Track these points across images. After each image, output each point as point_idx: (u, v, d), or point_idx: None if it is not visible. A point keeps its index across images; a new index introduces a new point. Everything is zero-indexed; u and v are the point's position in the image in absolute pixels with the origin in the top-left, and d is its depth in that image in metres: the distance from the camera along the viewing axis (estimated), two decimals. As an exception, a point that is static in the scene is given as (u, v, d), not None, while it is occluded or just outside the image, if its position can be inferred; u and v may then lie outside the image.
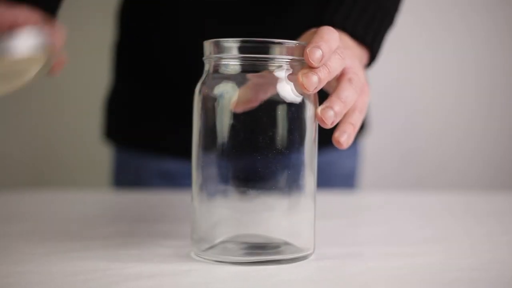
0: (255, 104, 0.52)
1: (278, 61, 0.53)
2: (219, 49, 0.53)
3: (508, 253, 0.60)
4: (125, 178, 1.05)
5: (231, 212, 0.54)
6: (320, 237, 0.60)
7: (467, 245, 0.64)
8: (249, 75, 0.53)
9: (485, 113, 1.76)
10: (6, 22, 0.61)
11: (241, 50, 0.53)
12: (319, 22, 0.65)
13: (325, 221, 0.69)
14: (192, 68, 0.95)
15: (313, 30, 0.60)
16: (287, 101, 0.53)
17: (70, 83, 1.56)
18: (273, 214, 0.54)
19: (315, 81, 0.52)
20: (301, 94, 0.53)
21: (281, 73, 0.53)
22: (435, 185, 1.75)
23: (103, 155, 1.37)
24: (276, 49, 0.53)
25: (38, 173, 1.65)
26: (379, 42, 0.71)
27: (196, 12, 0.95)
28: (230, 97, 0.52)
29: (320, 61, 0.53)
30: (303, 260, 0.54)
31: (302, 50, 0.54)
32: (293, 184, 0.54)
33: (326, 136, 0.61)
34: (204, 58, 0.55)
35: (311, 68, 0.53)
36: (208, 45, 0.54)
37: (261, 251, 0.54)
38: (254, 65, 0.53)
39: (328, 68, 0.54)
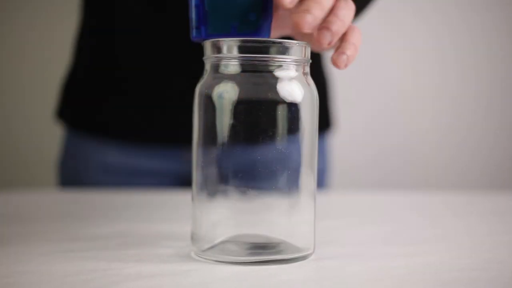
0: None
1: (278, 61, 0.53)
2: (219, 49, 0.53)
3: (509, 253, 0.60)
4: (71, 164, 1.05)
5: (231, 212, 0.54)
6: (320, 237, 0.60)
7: (467, 245, 0.64)
8: None
9: (485, 112, 1.76)
10: None
11: (241, 50, 0.52)
12: None
13: (325, 221, 0.69)
14: (154, 53, 0.95)
15: None
16: (287, 101, 0.53)
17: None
18: (273, 214, 0.54)
19: (309, 20, 0.52)
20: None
21: (281, 73, 0.53)
22: (441, 185, 1.75)
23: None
24: (276, 49, 0.53)
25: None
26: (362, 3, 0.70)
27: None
28: (230, 97, 0.52)
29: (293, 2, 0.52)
30: (303, 260, 0.54)
31: (302, 50, 0.54)
32: (293, 184, 0.54)
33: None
34: (204, 58, 0.55)
35: (306, 2, 0.52)
36: (208, 45, 0.54)
37: (261, 251, 0.54)
38: (254, 65, 0.53)
39: (320, 4, 0.52)
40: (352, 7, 0.56)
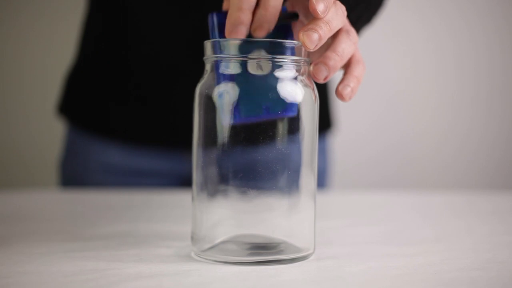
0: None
1: (278, 61, 0.53)
2: (219, 49, 0.53)
3: (509, 253, 0.60)
4: (72, 164, 1.05)
5: (231, 212, 0.54)
6: (320, 237, 0.60)
7: (468, 244, 0.64)
8: None
9: (485, 112, 1.76)
10: None
11: (241, 50, 0.52)
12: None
13: (325, 221, 0.69)
14: (159, 53, 0.94)
15: None
16: (287, 101, 0.53)
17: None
18: (273, 214, 0.54)
19: (315, 39, 0.52)
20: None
21: (281, 73, 0.53)
22: (441, 185, 1.75)
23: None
24: (276, 49, 0.53)
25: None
26: (360, 24, 0.70)
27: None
28: (230, 97, 0.52)
29: (325, 12, 0.52)
30: (303, 260, 0.54)
31: (302, 51, 0.54)
32: (293, 184, 0.54)
33: None
34: (204, 58, 0.55)
35: (313, 23, 0.52)
36: (208, 45, 0.54)
37: (261, 251, 0.54)
38: (254, 65, 0.53)
39: (329, 25, 0.53)
40: (354, 39, 0.56)
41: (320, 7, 0.51)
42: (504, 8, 1.72)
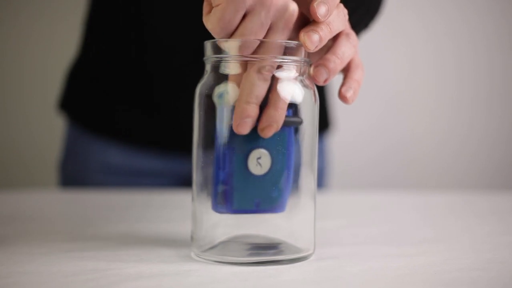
0: None
1: (278, 61, 0.53)
2: (219, 49, 0.53)
3: (509, 253, 0.60)
4: (72, 164, 1.05)
5: (231, 212, 0.54)
6: (320, 237, 0.60)
7: (468, 245, 0.64)
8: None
9: (484, 112, 1.76)
10: None
11: (241, 50, 0.52)
12: None
13: (325, 221, 0.69)
14: (163, 55, 0.93)
15: None
16: (287, 101, 0.52)
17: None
18: (273, 215, 0.54)
19: (316, 40, 0.52)
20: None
21: (281, 74, 0.53)
22: (441, 186, 1.75)
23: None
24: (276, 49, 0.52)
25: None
26: (359, 29, 0.70)
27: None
28: (230, 97, 0.52)
29: (326, 16, 0.52)
30: (303, 260, 0.54)
31: (302, 51, 0.53)
32: (293, 184, 0.54)
33: None
34: (204, 58, 0.55)
35: (314, 25, 0.52)
36: (208, 45, 0.54)
37: (261, 251, 0.54)
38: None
39: (330, 27, 0.53)
40: (354, 42, 0.56)
41: (321, 11, 0.51)
42: (504, 8, 1.72)
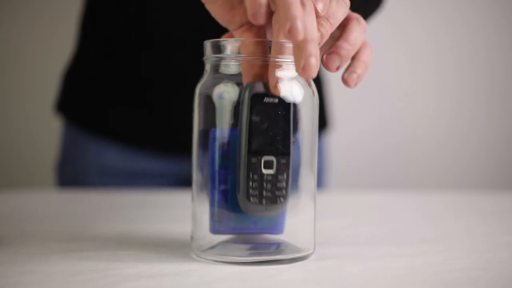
0: None
1: (278, 61, 0.53)
2: (219, 49, 0.53)
3: (508, 253, 0.60)
4: (70, 166, 1.05)
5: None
6: (320, 237, 0.60)
7: (467, 244, 0.64)
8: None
9: (484, 112, 1.76)
10: None
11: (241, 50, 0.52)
12: None
13: (325, 221, 0.69)
14: (161, 56, 0.93)
15: None
16: (287, 101, 0.52)
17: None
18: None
19: (318, 37, 0.52)
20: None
21: (281, 73, 0.53)
22: (441, 186, 1.75)
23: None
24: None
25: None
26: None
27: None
28: (230, 97, 0.52)
29: (323, 11, 0.51)
30: (303, 260, 0.54)
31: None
32: (293, 184, 0.54)
33: None
34: (204, 58, 0.55)
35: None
36: (208, 45, 0.54)
37: (261, 251, 0.54)
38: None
39: (330, 21, 0.52)
40: (364, 27, 0.56)
41: (319, 6, 0.51)
42: (504, 8, 1.72)
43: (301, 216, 0.55)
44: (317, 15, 0.51)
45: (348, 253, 0.58)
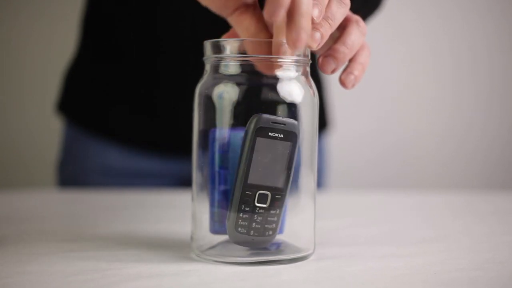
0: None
1: (278, 61, 0.53)
2: (219, 49, 0.53)
3: (508, 253, 0.60)
4: (70, 166, 1.05)
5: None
6: (320, 237, 0.60)
7: (467, 245, 0.64)
8: None
9: (484, 112, 1.76)
10: None
11: (241, 50, 0.52)
12: None
13: (325, 221, 0.69)
14: (162, 56, 0.93)
15: None
16: (287, 101, 0.53)
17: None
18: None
19: (318, 38, 0.51)
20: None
21: (281, 74, 0.53)
22: (441, 186, 1.75)
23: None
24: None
25: None
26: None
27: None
28: (230, 97, 0.52)
29: (319, 17, 0.50)
30: (303, 260, 0.54)
31: (302, 51, 0.53)
32: (293, 184, 0.54)
33: None
34: (204, 58, 0.55)
35: (314, 23, 0.51)
36: (208, 45, 0.54)
37: (261, 251, 0.54)
38: (254, 65, 0.53)
39: (330, 22, 0.52)
40: (363, 30, 0.56)
41: (314, 13, 0.50)
42: (504, 8, 1.72)
43: (301, 216, 0.55)
44: (313, 22, 0.50)
45: (348, 253, 0.58)
